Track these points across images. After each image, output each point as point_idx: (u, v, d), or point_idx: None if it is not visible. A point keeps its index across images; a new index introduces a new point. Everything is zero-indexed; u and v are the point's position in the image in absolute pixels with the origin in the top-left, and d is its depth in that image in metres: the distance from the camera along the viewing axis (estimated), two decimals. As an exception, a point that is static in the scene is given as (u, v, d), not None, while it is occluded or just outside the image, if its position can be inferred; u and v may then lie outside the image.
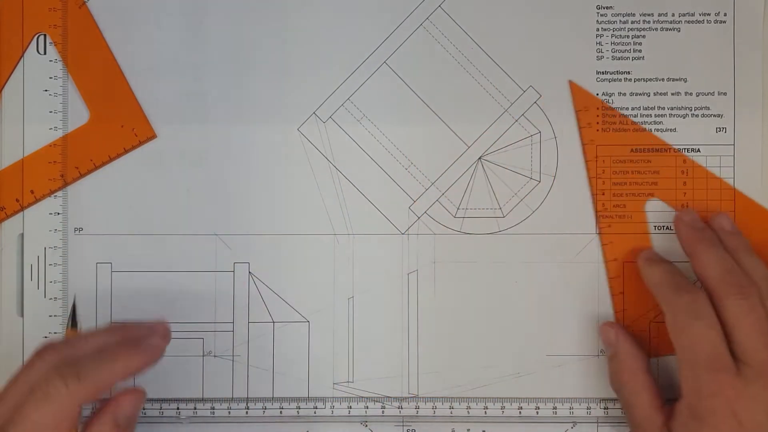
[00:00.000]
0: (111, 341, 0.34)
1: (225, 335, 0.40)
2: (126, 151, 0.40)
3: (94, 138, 0.40)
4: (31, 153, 0.40)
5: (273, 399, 0.40)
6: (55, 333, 0.40)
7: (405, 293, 0.41)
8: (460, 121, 0.41)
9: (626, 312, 0.40)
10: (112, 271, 0.40)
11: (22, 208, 0.40)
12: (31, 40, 0.40)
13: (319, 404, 0.40)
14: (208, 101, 0.41)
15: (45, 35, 0.40)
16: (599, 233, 0.41)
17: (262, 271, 0.41)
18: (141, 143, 0.40)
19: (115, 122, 0.40)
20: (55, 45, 0.40)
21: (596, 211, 0.41)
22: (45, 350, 0.33)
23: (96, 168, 0.40)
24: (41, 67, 0.40)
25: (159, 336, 0.35)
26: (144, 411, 0.40)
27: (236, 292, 0.40)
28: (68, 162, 0.40)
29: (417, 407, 0.40)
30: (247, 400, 0.40)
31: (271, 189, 0.41)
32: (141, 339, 0.34)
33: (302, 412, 0.40)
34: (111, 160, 0.40)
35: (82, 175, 0.40)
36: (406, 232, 0.41)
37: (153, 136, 0.41)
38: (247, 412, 0.40)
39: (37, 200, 0.40)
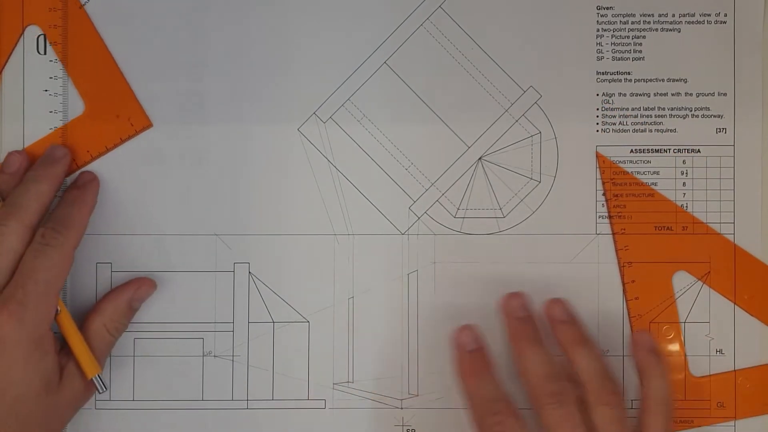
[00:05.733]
0: (45, 188, 0.37)
1: (225, 335, 0.40)
2: (122, 141, 0.40)
3: (90, 129, 0.40)
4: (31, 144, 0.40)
5: (273, 399, 0.40)
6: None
7: (405, 293, 0.41)
8: (460, 121, 0.41)
9: (642, 317, 0.40)
10: (112, 271, 0.40)
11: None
12: (21, 33, 0.40)
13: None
14: (208, 101, 0.41)
15: (44, 35, 0.40)
16: (613, 236, 0.40)
17: (262, 271, 0.41)
18: (137, 132, 0.40)
19: (111, 112, 0.40)
20: (55, 45, 0.40)
21: (609, 213, 0.41)
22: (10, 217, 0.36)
23: (93, 159, 0.40)
24: (41, 67, 0.40)
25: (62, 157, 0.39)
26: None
27: (236, 292, 0.40)
28: (80, 150, 0.40)
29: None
30: (248, 400, 0.40)
31: (271, 189, 0.41)
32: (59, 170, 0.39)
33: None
34: (108, 150, 0.40)
35: (79, 167, 0.40)
36: (406, 232, 0.41)
37: (149, 125, 0.40)
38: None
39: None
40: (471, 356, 0.38)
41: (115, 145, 0.40)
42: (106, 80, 0.40)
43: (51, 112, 0.40)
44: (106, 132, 0.40)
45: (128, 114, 0.40)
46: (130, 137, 0.40)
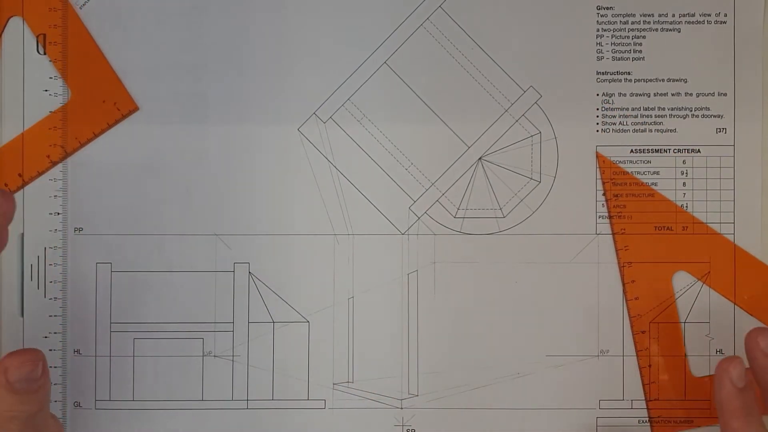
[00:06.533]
0: None
1: (225, 335, 0.40)
2: (109, 126, 0.40)
3: (77, 116, 0.40)
4: (31, 128, 0.40)
5: (273, 399, 0.40)
6: (55, 333, 0.40)
7: (405, 293, 0.41)
8: (460, 121, 0.41)
9: (642, 318, 0.40)
10: (112, 271, 0.40)
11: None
12: (6, 23, 0.40)
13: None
14: (208, 101, 0.41)
15: (44, 35, 0.40)
16: (613, 236, 0.41)
17: (262, 271, 0.41)
18: (124, 116, 0.40)
19: (97, 98, 0.40)
20: (54, 45, 0.40)
21: (609, 213, 0.41)
22: None
23: (82, 145, 0.40)
24: (41, 67, 0.40)
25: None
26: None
27: (236, 292, 0.40)
28: (67, 137, 0.40)
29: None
30: (248, 400, 0.40)
31: (271, 189, 0.41)
32: None
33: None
34: (95, 136, 0.40)
35: (68, 154, 0.40)
36: (406, 232, 0.41)
37: (135, 109, 0.40)
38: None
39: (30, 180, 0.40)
40: (742, 394, 0.33)
41: (102, 130, 0.40)
42: (92, 67, 0.40)
43: (51, 112, 0.40)
44: (93, 118, 0.40)
45: (114, 98, 0.40)
46: (117, 122, 0.40)
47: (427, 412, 0.40)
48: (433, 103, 0.41)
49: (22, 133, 0.40)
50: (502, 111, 0.41)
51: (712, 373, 0.40)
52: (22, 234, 0.40)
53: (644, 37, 0.41)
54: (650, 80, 0.41)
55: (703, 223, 0.41)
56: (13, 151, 0.40)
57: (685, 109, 0.41)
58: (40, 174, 0.40)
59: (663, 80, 0.41)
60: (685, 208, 0.41)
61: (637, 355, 0.40)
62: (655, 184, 0.41)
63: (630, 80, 0.41)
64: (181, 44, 0.41)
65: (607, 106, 0.41)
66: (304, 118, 0.41)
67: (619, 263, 0.41)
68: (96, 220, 0.40)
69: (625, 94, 0.41)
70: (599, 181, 0.41)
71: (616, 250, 0.41)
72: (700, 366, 0.40)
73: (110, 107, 0.40)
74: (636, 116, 0.41)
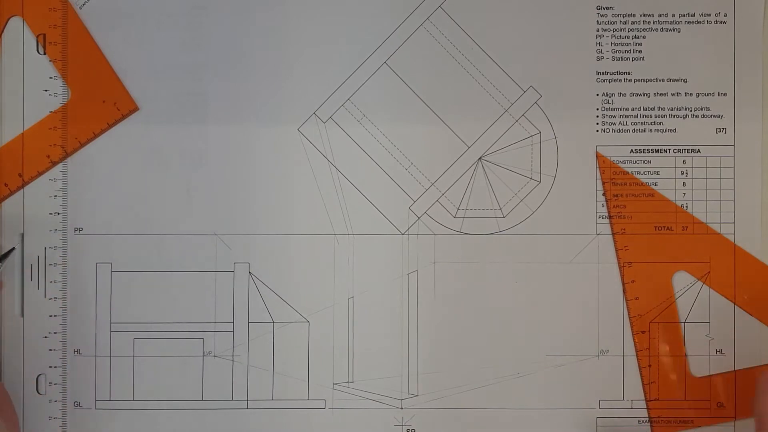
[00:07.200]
0: None
1: (225, 335, 0.40)
2: (109, 126, 0.40)
3: (77, 116, 0.40)
4: (31, 128, 0.40)
5: (273, 399, 0.40)
6: (55, 333, 0.40)
7: (405, 293, 0.41)
8: (460, 121, 0.41)
9: (642, 318, 0.40)
10: (112, 271, 0.40)
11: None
12: (6, 23, 0.40)
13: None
14: (208, 101, 0.41)
15: (44, 35, 0.40)
16: (613, 236, 0.41)
17: (262, 271, 0.41)
18: (123, 117, 0.40)
19: (97, 98, 0.40)
20: (54, 45, 0.40)
21: (609, 213, 0.41)
22: None
23: (82, 145, 0.40)
24: (41, 67, 0.40)
25: None
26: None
27: (236, 292, 0.40)
28: (67, 136, 0.40)
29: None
30: (248, 400, 0.40)
31: (271, 189, 0.41)
32: None
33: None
34: (95, 135, 0.40)
35: (68, 154, 0.40)
36: (406, 232, 0.41)
37: (135, 109, 0.41)
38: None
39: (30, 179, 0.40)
40: None
41: (102, 130, 0.40)
42: (92, 67, 0.40)
43: (51, 112, 0.40)
44: (93, 118, 0.40)
45: (114, 98, 0.40)
46: (117, 122, 0.40)
47: (427, 412, 0.40)
48: (433, 103, 0.41)
49: (22, 133, 0.40)
50: (502, 111, 0.41)
51: (713, 373, 0.40)
52: (22, 234, 0.40)
53: (644, 37, 0.41)
54: (650, 80, 0.41)
55: (703, 223, 0.41)
56: (13, 151, 0.40)
57: (685, 109, 0.41)
58: (40, 174, 0.40)
59: (663, 80, 0.41)
60: (685, 208, 0.41)
61: (637, 355, 0.40)
62: (655, 184, 0.41)
63: (630, 80, 0.41)
64: (181, 44, 0.41)
65: (607, 106, 0.41)
66: (304, 118, 0.41)
67: (619, 263, 0.41)
68: (96, 220, 0.40)
69: (625, 94, 0.41)
70: (599, 181, 0.41)
71: (616, 250, 0.41)
72: (700, 366, 0.40)
73: (110, 107, 0.40)
74: (636, 116, 0.41)
